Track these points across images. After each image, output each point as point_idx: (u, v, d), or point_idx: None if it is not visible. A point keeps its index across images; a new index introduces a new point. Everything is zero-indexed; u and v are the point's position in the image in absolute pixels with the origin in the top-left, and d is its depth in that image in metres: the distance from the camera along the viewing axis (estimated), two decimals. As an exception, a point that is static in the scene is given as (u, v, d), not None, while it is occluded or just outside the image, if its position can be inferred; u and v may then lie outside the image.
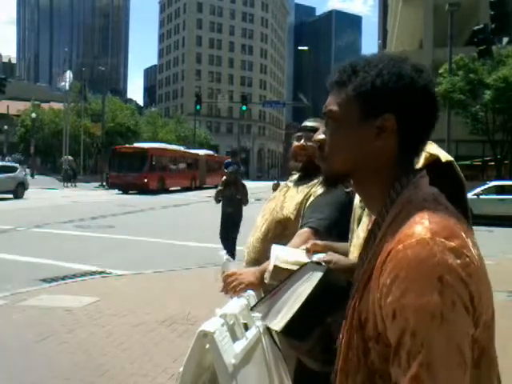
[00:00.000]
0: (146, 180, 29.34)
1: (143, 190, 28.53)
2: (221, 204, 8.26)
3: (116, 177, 30.07)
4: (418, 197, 0.92)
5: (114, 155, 31.53)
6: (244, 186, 8.30)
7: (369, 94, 0.94)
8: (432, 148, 1.44)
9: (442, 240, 0.81)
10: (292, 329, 1.10)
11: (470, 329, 0.81)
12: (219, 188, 8.20)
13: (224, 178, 8.25)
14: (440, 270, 0.79)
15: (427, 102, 0.97)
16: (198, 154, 39.48)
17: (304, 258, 1.28)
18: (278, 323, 1.10)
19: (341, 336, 0.99)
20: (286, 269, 1.31)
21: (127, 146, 34.69)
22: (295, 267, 1.28)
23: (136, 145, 34.41)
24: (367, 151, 0.95)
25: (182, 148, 39.46)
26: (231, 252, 7.84)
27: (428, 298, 0.78)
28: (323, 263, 1.16)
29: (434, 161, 1.38)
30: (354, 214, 1.51)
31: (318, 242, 1.35)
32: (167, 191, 31.81)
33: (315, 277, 1.11)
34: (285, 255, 1.37)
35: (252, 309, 1.24)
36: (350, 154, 0.96)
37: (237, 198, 8.07)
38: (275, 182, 9.11)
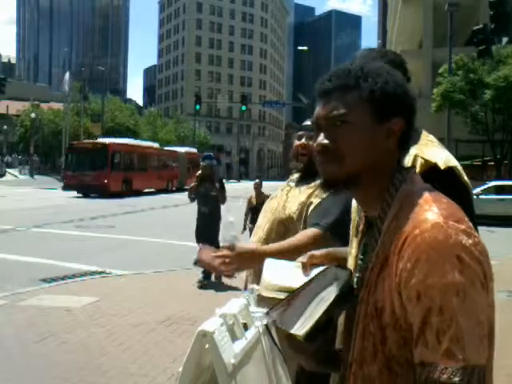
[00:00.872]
0: (105, 181, 24.98)
1: (105, 193, 24.70)
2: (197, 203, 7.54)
3: (72, 177, 25.72)
4: (417, 189, 0.99)
5: (70, 151, 27.41)
6: (221, 182, 7.54)
7: (382, 98, 1.00)
8: (428, 152, 1.40)
9: (454, 223, 0.88)
10: (314, 333, 1.08)
11: (485, 302, 0.87)
12: (193, 184, 7.45)
13: (198, 172, 7.50)
14: (457, 249, 0.85)
15: (414, 103, 1.06)
16: (176, 152, 35.29)
17: (296, 281, 1.21)
18: (301, 329, 1.08)
19: (354, 329, 1.02)
20: (272, 297, 1.24)
21: (85, 141, 30.90)
22: (281, 295, 1.21)
23: (99, 140, 29.68)
24: (377, 152, 1.01)
25: (156, 145, 35.29)
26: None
27: (451, 276, 0.84)
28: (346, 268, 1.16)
29: (431, 167, 1.34)
30: (353, 220, 1.49)
31: (316, 252, 1.30)
32: (138, 193, 27.78)
33: (339, 282, 1.11)
34: (273, 278, 1.29)
35: (267, 313, 1.21)
36: (363, 156, 1.00)
37: (212, 194, 7.31)
38: (256, 180, 8.40)
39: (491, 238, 12.87)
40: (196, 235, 7.48)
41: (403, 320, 0.90)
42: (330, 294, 1.09)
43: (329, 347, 1.14)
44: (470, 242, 0.87)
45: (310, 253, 1.30)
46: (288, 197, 2.22)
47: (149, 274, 7.66)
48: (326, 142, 1.02)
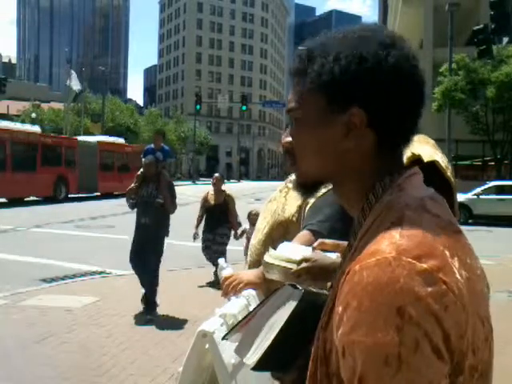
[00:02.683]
0: None
1: None
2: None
3: None
4: (399, 201, 0.73)
5: None
6: (170, 185, 5.82)
7: (329, 84, 0.76)
8: (419, 148, 1.40)
9: (410, 260, 0.64)
10: (270, 361, 0.98)
11: (441, 379, 0.63)
12: (132, 185, 5.82)
13: (140, 171, 5.89)
14: (401, 299, 0.61)
15: (402, 83, 0.76)
16: (75, 141, 23.74)
17: (297, 255, 1.29)
18: (251, 357, 0.99)
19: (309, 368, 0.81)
20: (274, 264, 1.33)
21: None
22: (283, 263, 1.30)
23: None
24: (339, 152, 0.78)
25: (34, 128, 22.82)
26: (148, 297, 5.56)
27: (382, 335, 0.61)
28: (300, 287, 1.05)
29: (415, 161, 1.35)
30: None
31: (327, 240, 1.33)
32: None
33: (290, 304, 0.99)
34: (282, 251, 1.37)
35: (224, 337, 1.11)
36: (321, 158, 0.80)
37: (157, 201, 5.57)
38: (216, 175, 7.31)
39: (489, 237, 12.86)
40: (130, 256, 5.75)
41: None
42: (280, 319, 0.99)
43: None
44: (429, 289, 0.62)
45: (320, 240, 1.31)
46: (287, 199, 2.22)
47: (149, 274, 7.64)
48: (287, 139, 0.92)
